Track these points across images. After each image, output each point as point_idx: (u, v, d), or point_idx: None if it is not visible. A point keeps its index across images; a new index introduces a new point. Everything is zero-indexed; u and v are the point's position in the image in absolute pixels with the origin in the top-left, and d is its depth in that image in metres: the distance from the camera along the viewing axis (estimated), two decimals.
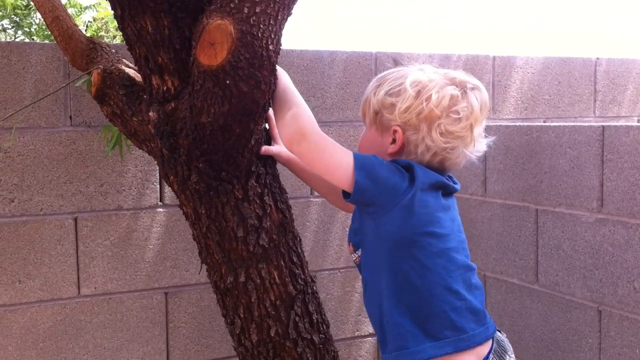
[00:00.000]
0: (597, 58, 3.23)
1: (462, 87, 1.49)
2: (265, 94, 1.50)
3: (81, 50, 1.98)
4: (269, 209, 1.73)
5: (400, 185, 1.43)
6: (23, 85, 2.23)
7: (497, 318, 2.62)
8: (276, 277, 1.75)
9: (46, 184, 2.27)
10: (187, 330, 2.48)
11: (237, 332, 1.79)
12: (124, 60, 1.94)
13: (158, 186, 2.42)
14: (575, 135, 2.25)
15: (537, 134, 2.42)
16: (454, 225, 1.50)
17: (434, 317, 1.44)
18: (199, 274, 2.40)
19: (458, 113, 1.47)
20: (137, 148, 2.04)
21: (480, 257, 2.70)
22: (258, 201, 1.71)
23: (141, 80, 1.73)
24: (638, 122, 3.28)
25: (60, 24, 1.97)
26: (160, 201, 2.42)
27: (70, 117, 2.30)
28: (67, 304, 2.31)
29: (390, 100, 1.51)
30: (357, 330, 2.76)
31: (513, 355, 1.52)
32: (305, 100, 2.67)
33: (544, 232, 2.40)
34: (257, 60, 1.42)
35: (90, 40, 2.00)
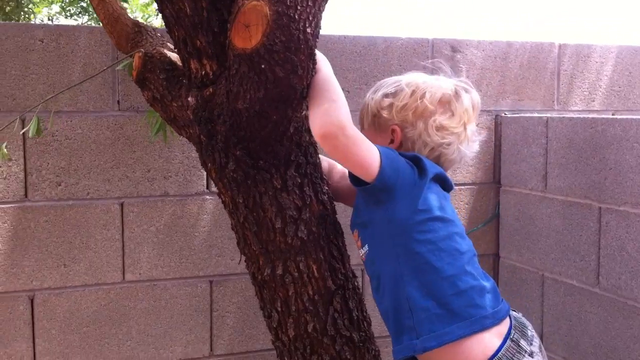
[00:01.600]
0: None
1: (455, 87, 1.60)
2: (302, 80, 1.43)
3: (126, 34, 1.95)
4: (309, 200, 1.66)
5: (412, 176, 1.50)
6: (72, 69, 2.22)
7: (555, 321, 2.50)
8: (315, 270, 1.68)
9: (93, 168, 2.26)
10: (232, 320, 2.44)
11: (275, 325, 1.74)
12: (168, 44, 1.90)
13: (204, 173, 2.38)
14: None
15: (602, 127, 2.28)
16: (455, 215, 1.57)
17: (457, 296, 1.47)
18: (239, 263, 2.35)
19: (451, 110, 1.59)
20: None
21: (538, 256, 2.58)
22: (297, 192, 1.65)
23: (181, 64, 1.69)
24: None
25: (105, 7, 1.94)
26: (207, 188, 2.39)
27: (118, 102, 2.29)
28: (112, 289, 2.31)
29: (388, 100, 1.61)
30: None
31: (533, 330, 1.54)
32: (357, 89, 2.62)
33: (606, 232, 2.26)
34: (293, 43, 1.36)
35: (136, 23, 1.96)
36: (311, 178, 1.68)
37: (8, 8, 5.08)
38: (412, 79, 1.62)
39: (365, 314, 1.79)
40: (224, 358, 2.44)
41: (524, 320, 1.55)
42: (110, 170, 2.28)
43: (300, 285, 1.68)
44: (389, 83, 1.65)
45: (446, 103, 1.59)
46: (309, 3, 1.36)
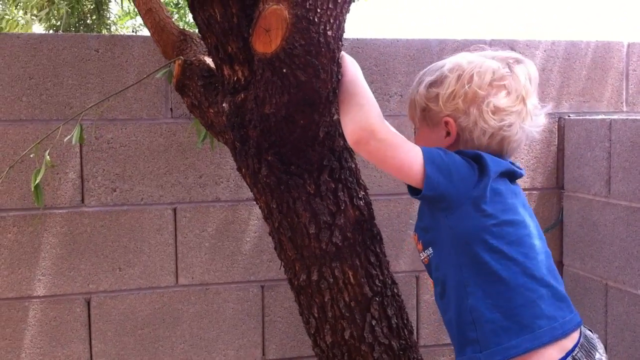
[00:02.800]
0: None
1: (504, 62, 1.45)
2: (327, 83, 1.42)
3: (172, 42, 1.99)
4: (344, 205, 1.65)
5: (471, 177, 1.37)
6: (126, 78, 2.28)
7: (619, 332, 2.39)
8: (351, 277, 1.66)
9: (147, 174, 2.31)
10: (283, 325, 2.44)
11: (312, 332, 1.73)
12: None
13: None
14: None
15: None
16: (527, 211, 1.44)
17: (525, 308, 1.36)
18: (280, 269, 2.35)
19: (505, 87, 1.43)
20: None
21: (602, 263, 2.47)
22: (331, 197, 1.64)
23: None
24: None
25: (153, 16, 1.99)
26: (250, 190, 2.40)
27: (171, 110, 2.33)
28: (165, 292, 2.35)
29: (433, 91, 1.47)
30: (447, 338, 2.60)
31: (605, 355, 1.40)
32: None
33: None
34: (313, 47, 1.34)
35: (182, 31, 2.00)
36: (346, 183, 1.66)
37: (89, 21, 5.28)
38: (456, 61, 1.47)
39: (406, 321, 1.75)
40: None
41: (595, 342, 1.42)
42: (164, 176, 2.32)
43: (336, 291, 1.66)
44: (432, 70, 1.51)
45: (498, 81, 1.42)
46: (330, 5, 1.34)
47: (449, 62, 1.47)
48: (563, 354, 1.35)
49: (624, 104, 2.77)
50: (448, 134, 1.45)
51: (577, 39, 2.72)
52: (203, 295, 2.38)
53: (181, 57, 1.80)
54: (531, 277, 1.37)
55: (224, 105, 1.65)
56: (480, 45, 1.57)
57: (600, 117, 2.56)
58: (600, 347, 1.41)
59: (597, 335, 1.45)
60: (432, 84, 1.47)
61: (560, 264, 2.70)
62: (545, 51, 2.66)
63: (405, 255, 2.53)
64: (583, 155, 2.57)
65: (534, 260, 1.38)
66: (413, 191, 1.41)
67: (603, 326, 2.47)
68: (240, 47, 1.56)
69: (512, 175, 1.43)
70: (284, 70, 1.37)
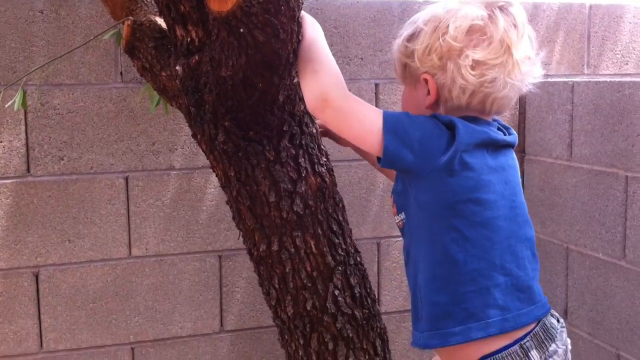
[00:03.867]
0: None
1: (489, 7, 1.28)
2: (287, 44, 1.34)
3: (121, 2, 1.88)
4: (305, 172, 1.58)
5: (437, 147, 1.26)
6: (72, 40, 2.16)
7: (579, 295, 2.38)
8: (312, 246, 1.61)
9: (96, 142, 2.21)
10: (242, 295, 2.38)
11: (273, 303, 1.67)
12: None
13: None
14: None
15: (630, 91, 2.14)
16: (507, 188, 1.31)
17: (474, 294, 1.28)
18: (238, 239, 2.29)
19: (485, 36, 1.27)
20: None
21: (563, 227, 2.45)
22: (292, 164, 1.57)
23: None
24: None
25: None
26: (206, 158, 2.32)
27: (121, 74, 2.22)
28: (118, 264, 2.26)
29: (409, 46, 1.35)
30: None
31: (564, 346, 1.32)
32: (372, 56, 2.51)
33: (633, 202, 2.13)
34: (272, 5, 1.26)
35: None
36: (307, 149, 1.59)
37: None
38: (432, 12, 1.33)
39: (369, 290, 1.71)
40: (234, 334, 2.38)
41: (556, 332, 1.32)
42: (114, 143, 2.22)
43: (297, 261, 1.61)
44: (410, 22, 1.38)
45: (478, 31, 1.27)
46: None
47: (425, 13, 1.35)
48: (512, 341, 1.28)
49: (586, 66, 2.75)
50: (429, 92, 1.33)
51: (539, 0, 2.67)
52: (158, 266, 2.30)
53: (130, 17, 1.69)
54: (490, 264, 1.28)
55: (177, 68, 1.56)
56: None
57: (562, 79, 2.53)
58: (561, 338, 1.32)
59: (562, 325, 1.36)
60: (409, 39, 1.35)
61: None
62: None
63: (366, 222, 2.48)
64: (544, 118, 2.54)
65: (498, 245, 1.28)
66: (380, 159, 1.32)
67: (564, 290, 2.47)
68: (194, 5, 1.47)
69: (494, 144, 1.31)
70: (241, 30, 1.29)
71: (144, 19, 1.69)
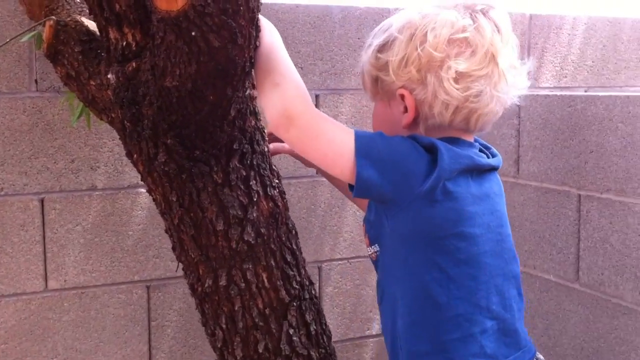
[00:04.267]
0: None
1: (469, 11, 1.15)
2: (244, 51, 1.16)
3: (39, 1, 1.65)
4: (256, 196, 1.41)
5: (417, 173, 1.11)
6: None
7: (530, 319, 2.28)
8: (265, 280, 1.44)
9: (7, 159, 1.96)
10: (173, 330, 2.17)
11: (219, 345, 1.48)
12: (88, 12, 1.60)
13: None
14: (629, 108, 1.89)
15: (582, 106, 2.06)
16: (493, 219, 1.18)
17: (459, 342, 1.14)
18: (177, 271, 2.08)
19: (468, 44, 1.13)
20: None
21: None
22: (242, 187, 1.39)
23: None
24: None
25: None
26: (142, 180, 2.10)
27: (36, 81, 1.99)
28: (33, 299, 2.02)
29: (382, 57, 1.18)
30: (368, 329, 2.43)
31: None
32: (312, 65, 2.35)
33: (587, 222, 2.05)
34: (230, 4, 1.08)
35: None
36: (258, 170, 1.42)
37: None
38: (407, 17, 1.17)
39: (324, 326, 1.55)
40: None
41: None
42: (28, 161, 1.98)
43: (248, 297, 1.44)
44: (380, 31, 1.22)
45: (460, 40, 1.13)
46: None
47: (399, 19, 1.18)
48: None
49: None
50: (406, 109, 1.18)
51: None
52: (78, 300, 2.06)
53: (53, 17, 1.47)
54: (475, 307, 1.15)
55: (109, 76, 1.36)
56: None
57: None
58: None
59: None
60: (381, 49, 1.19)
61: None
62: None
63: (307, 245, 2.31)
64: (490, 133, 2.43)
65: (484, 285, 1.15)
66: (352, 187, 1.16)
67: None
68: (131, 4, 1.27)
69: (479, 170, 1.17)
70: (193, 33, 1.10)
71: (68, 19, 1.48)
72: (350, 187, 1.16)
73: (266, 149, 1.45)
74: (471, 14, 1.15)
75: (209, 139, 1.32)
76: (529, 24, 2.65)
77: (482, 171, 1.18)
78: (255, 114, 1.40)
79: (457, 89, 1.12)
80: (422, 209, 1.11)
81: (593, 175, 2.01)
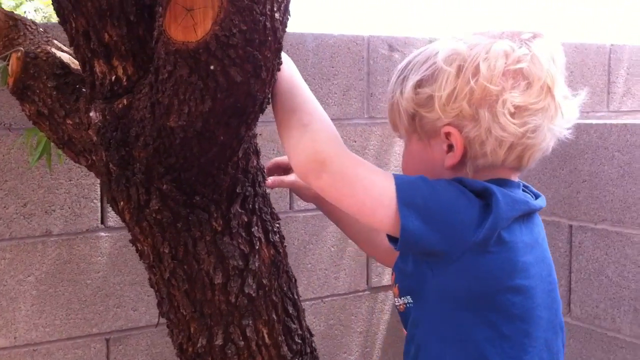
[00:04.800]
0: (612, 45, 2.85)
1: (517, 39, 1.05)
2: (265, 86, 1.04)
3: None
4: (258, 243, 1.28)
5: (468, 222, 1.00)
6: None
7: None
8: (265, 336, 1.31)
9: None
10: None
11: None
12: (55, 41, 1.44)
13: (99, 204, 1.94)
14: (627, 136, 1.85)
15: (575, 134, 2.01)
16: (544, 268, 1.08)
17: None
18: (157, 326, 1.90)
19: (524, 76, 1.02)
20: None
21: None
22: (244, 234, 1.26)
23: (79, 67, 1.24)
24: None
25: None
26: (102, 223, 1.94)
27: None
28: None
29: (425, 92, 1.06)
30: None
31: None
32: None
33: (580, 254, 2.00)
34: (257, 34, 0.96)
35: (10, 16, 1.48)
36: (260, 214, 1.30)
37: None
38: (452, 47, 1.06)
39: None
40: None
41: None
42: None
43: (246, 356, 1.31)
44: (420, 62, 1.09)
45: (516, 71, 1.02)
46: None
47: (442, 49, 1.06)
48: None
49: None
50: (451, 148, 1.06)
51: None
52: (30, 359, 1.88)
53: (21, 48, 1.30)
54: None
55: (91, 114, 1.21)
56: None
57: None
58: None
59: None
60: (422, 82, 1.07)
61: None
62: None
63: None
64: None
65: (536, 342, 1.05)
66: (392, 238, 1.04)
67: None
68: (123, 34, 1.13)
69: (529, 214, 1.07)
70: (212, 67, 0.97)
71: (38, 50, 1.31)
72: (390, 238, 1.04)
73: (266, 191, 1.32)
74: (519, 42, 1.05)
75: (211, 183, 1.19)
76: None
77: (530, 215, 1.08)
78: (257, 153, 1.27)
79: (514, 124, 1.02)
80: (474, 261, 1.00)
81: (586, 205, 1.97)
